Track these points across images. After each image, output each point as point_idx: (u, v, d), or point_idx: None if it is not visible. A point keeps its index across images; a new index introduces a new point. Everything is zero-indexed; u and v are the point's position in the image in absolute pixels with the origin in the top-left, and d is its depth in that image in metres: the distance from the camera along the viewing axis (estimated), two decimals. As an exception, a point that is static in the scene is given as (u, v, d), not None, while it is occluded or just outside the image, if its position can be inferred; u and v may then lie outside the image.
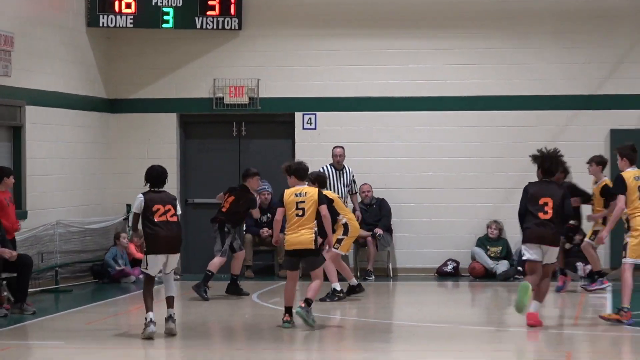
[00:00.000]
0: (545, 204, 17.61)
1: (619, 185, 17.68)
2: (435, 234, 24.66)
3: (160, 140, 25.60)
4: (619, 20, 24.74)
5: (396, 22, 25.13)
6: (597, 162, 20.94)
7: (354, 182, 24.49)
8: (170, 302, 17.01)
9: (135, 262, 24.22)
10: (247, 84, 25.38)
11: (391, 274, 24.61)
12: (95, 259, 24.49)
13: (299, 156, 24.37)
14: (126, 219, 25.05)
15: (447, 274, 24.53)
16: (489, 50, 25.05)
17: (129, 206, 24.66)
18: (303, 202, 17.88)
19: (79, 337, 17.31)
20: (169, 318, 16.93)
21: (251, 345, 16.88)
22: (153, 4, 24.66)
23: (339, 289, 20.73)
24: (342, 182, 24.24)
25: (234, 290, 21.73)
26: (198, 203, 25.93)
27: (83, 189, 24.65)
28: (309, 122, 25.41)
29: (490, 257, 24.00)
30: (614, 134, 24.20)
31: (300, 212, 17.81)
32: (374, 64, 25.24)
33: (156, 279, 17.04)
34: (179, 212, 17.23)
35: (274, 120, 25.79)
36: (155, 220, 17.00)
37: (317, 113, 25.36)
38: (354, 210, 23.24)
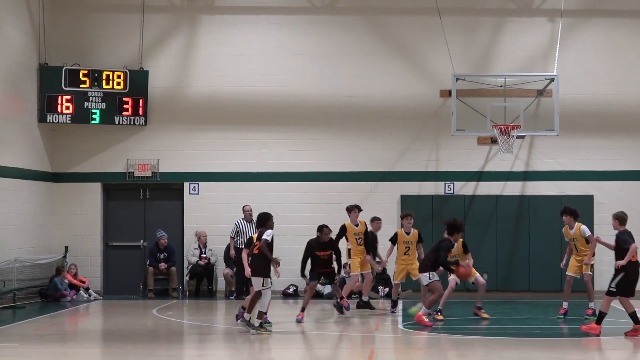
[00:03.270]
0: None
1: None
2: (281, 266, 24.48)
3: (89, 202, 25.13)
4: (405, 120, 24.72)
5: (253, 120, 24.96)
6: (569, 213, 19.21)
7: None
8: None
9: (72, 287, 24.01)
10: (151, 162, 25.13)
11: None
12: (42, 285, 24.09)
13: (187, 214, 24.85)
14: (64, 256, 24.78)
15: (289, 294, 24.55)
16: (317, 140, 24.94)
17: (66, 247, 24.82)
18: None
19: (30, 340, 16.89)
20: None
21: (150, 345, 16.25)
22: (85, 107, 24.33)
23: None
24: (251, 231, 23.44)
25: (365, 305, 20.78)
26: (115, 245, 25.30)
27: (34, 235, 24.21)
28: (194, 189, 25.10)
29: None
30: (403, 198, 24.47)
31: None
32: (238, 149, 25.02)
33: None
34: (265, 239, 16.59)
35: (169, 188, 25.22)
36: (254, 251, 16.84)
37: (200, 183, 25.05)
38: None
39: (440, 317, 18.93)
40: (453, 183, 24.98)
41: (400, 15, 25.13)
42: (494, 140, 23.83)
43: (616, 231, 16.74)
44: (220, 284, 25.14)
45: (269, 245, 16.93)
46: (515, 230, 24.36)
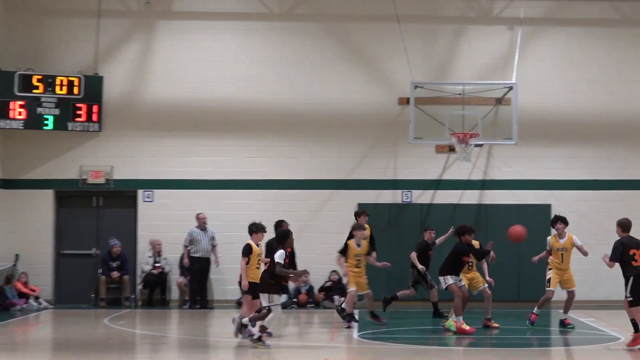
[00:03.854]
0: None
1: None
2: (235, 275, 22.70)
3: (41, 209, 24.78)
4: (362, 127, 24.62)
5: (210, 127, 24.76)
6: (564, 221, 18.90)
7: (213, 238, 23.80)
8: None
9: (22, 295, 23.76)
10: (104, 169, 24.82)
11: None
12: (-9, 293, 23.49)
13: (141, 222, 24.60)
14: (15, 264, 24.53)
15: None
16: (274, 147, 24.72)
17: (17, 255, 24.52)
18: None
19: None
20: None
21: (101, 356, 16.10)
22: (37, 112, 24.08)
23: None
24: (206, 239, 23.97)
25: (436, 313, 20.61)
26: (67, 253, 24.93)
27: (-17, 243, 23.66)
28: (148, 196, 24.83)
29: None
30: (360, 207, 23.60)
31: None
32: (192, 155, 24.79)
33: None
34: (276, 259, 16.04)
35: (123, 195, 24.90)
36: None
37: (155, 190, 24.80)
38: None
39: (495, 325, 18.92)
40: (411, 191, 24.85)
41: (359, 22, 25.05)
42: (452, 149, 23.74)
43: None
44: (174, 293, 24.80)
45: (285, 259, 16.32)
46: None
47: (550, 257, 18.85)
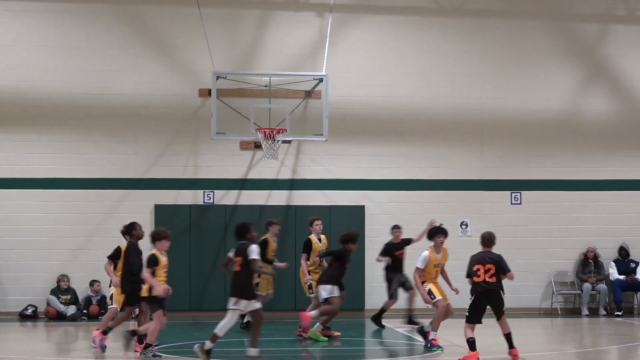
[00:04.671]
0: None
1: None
2: (20, 284, 23.24)
3: None
4: (160, 121, 23.78)
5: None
6: (445, 233, 17.01)
7: None
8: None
9: None
10: None
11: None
12: None
13: None
14: None
15: (27, 316, 23.06)
16: (60, 143, 23.60)
17: None
18: None
19: None
20: None
21: None
22: None
23: None
24: None
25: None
26: None
27: None
28: None
29: (62, 303, 22.91)
30: (158, 208, 23.53)
31: None
32: None
33: None
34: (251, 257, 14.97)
35: None
36: None
37: None
38: None
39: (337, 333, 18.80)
40: (213, 192, 24.11)
41: (155, 4, 24.26)
42: (257, 145, 23.28)
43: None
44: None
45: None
46: (280, 244, 23.31)
47: (421, 271, 16.90)
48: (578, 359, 16.61)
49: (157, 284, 15.24)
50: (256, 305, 15.17)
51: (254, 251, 14.98)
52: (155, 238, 15.58)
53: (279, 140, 21.80)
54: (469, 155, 24.61)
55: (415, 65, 24.70)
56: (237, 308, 15.07)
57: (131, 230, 17.11)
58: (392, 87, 24.54)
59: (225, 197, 24.10)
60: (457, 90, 24.71)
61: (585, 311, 23.92)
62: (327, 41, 22.99)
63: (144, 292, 15.45)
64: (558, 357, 16.66)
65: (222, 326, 15.06)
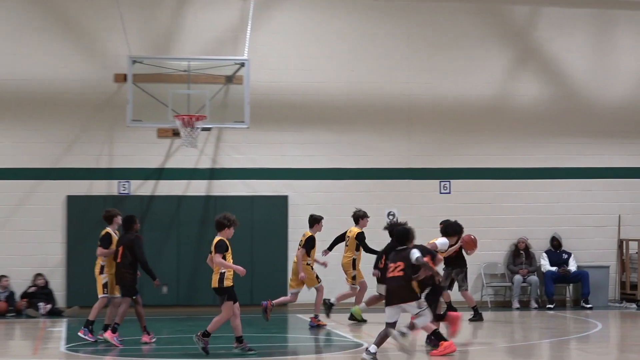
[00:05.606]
0: None
1: None
2: None
3: None
4: (72, 108, 23.20)
5: None
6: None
7: None
8: None
9: None
10: None
11: None
12: None
13: None
14: None
15: None
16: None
17: None
18: None
19: None
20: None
21: None
22: None
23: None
24: None
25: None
26: None
27: None
28: None
29: None
30: (70, 199, 22.96)
31: None
32: None
33: None
34: None
35: None
36: None
37: None
38: None
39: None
40: (129, 182, 23.58)
41: None
42: (176, 133, 22.72)
43: None
44: None
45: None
46: (200, 236, 23.25)
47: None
48: (508, 353, 16.46)
49: (236, 266, 15.18)
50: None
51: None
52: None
53: (198, 128, 21.53)
54: (396, 142, 24.24)
55: (339, 49, 24.29)
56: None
57: (132, 224, 17.28)
58: (316, 72, 24.13)
59: (142, 188, 23.63)
60: (383, 75, 24.29)
61: (516, 304, 23.57)
62: (249, 25, 22.66)
63: (214, 283, 15.26)
64: (487, 351, 16.50)
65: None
